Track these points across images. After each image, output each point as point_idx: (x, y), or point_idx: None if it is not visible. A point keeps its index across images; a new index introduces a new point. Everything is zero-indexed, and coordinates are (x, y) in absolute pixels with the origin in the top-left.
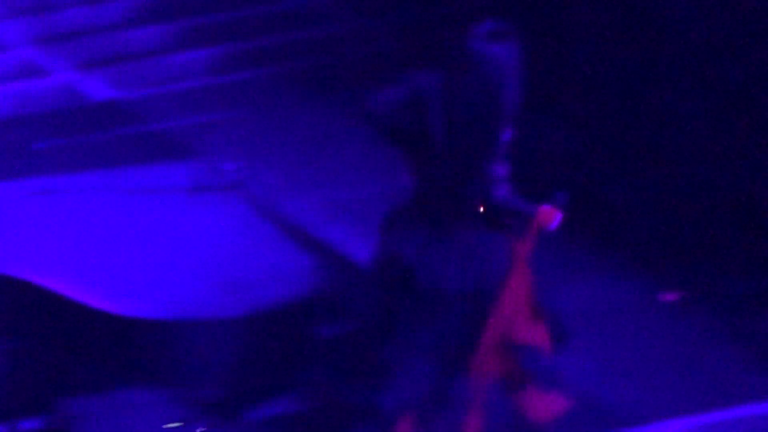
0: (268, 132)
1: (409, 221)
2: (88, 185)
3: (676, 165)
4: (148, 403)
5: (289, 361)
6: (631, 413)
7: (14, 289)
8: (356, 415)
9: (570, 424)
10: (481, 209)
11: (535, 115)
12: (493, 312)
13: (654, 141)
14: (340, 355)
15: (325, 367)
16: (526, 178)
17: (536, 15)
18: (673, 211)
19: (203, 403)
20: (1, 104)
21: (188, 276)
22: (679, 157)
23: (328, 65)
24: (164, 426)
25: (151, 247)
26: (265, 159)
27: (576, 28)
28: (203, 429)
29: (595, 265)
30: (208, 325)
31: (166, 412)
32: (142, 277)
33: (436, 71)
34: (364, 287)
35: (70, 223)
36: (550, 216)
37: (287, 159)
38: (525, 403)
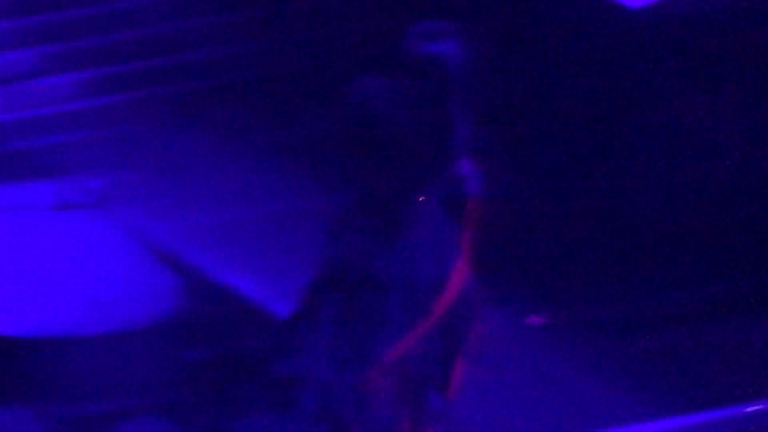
0: (138, 153)
1: (361, 225)
2: None
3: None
4: (16, 420)
5: (157, 381)
6: None
7: None
8: None
9: None
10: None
11: None
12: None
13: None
14: (206, 378)
15: (192, 389)
16: None
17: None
18: (539, 235)
19: (71, 420)
20: None
21: (55, 294)
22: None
23: (201, 89)
24: None
25: (19, 264)
26: (133, 179)
27: None
28: None
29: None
30: (75, 343)
31: (34, 430)
32: (9, 294)
33: (380, 76)
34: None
35: None
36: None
37: (156, 180)
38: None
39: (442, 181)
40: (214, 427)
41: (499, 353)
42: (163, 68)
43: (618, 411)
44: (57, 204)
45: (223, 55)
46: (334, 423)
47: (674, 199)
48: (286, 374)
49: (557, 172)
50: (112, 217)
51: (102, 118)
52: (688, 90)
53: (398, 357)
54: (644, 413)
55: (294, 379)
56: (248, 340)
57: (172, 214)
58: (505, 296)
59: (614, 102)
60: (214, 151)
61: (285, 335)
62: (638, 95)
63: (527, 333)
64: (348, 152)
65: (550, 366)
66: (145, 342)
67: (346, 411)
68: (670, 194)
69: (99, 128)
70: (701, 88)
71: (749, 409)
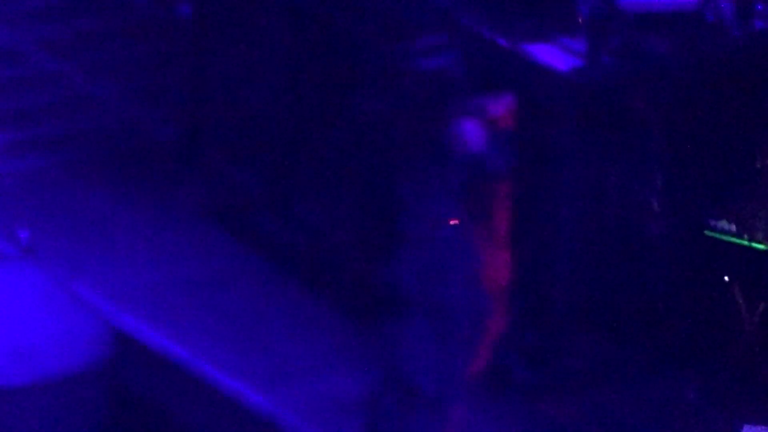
0: (61, 209)
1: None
2: None
3: None
4: None
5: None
6: None
7: None
8: None
9: None
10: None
11: None
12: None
13: None
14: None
15: None
16: None
17: None
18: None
19: None
20: None
21: None
22: None
23: (123, 151)
24: None
25: None
26: (58, 232)
27: None
28: None
29: None
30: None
31: None
32: None
33: (385, 94)
34: None
35: None
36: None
37: (79, 236)
38: None
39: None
40: None
41: None
42: (85, 131)
43: None
44: None
45: (146, 117)
46: None
47: (598, 258)
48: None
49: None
50: (36, 268)
51: (28, 178)
52: (609, 150)
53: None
54: None
55: None
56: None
57: (97, 271)
58: None
59: (535, 160)
60: (137, 212)
61: None
62: (560, 154)
63: None
64: None
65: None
66: (70, 390)
67: None
68: (593, 252)
69: (24, 187)
70: (623, 148)
71: None
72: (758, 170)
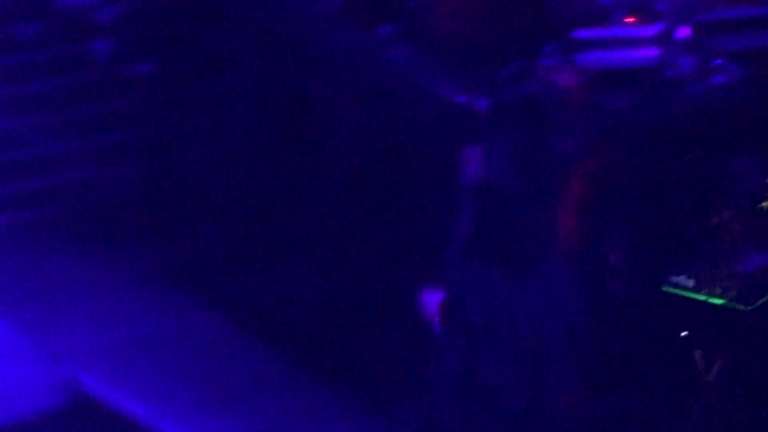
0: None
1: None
2: None
3: None
4: None
5: None
6: None
7: None
8: None
9: None
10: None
11: None
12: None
13: None
14: None
15: None
16: None
17: None
18: None
19: None
20: None
21: None
22: None
23: (80, 210)
24: None
25: None
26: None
27: None
28: None
29: None
30: None
31: None
32: None
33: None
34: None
35: None
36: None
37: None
38: None
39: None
40: None
41: None
42: (43, 189)
43: None
44: None
45: (102, 176)
46: None
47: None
48: None
49: None
50: None
51: None
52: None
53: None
54: None
55: None
56: None
57: (55, 330)
58: None
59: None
60: (97, 270)
61: None
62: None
63: None
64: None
65: None
66: None
67: None
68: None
69: None
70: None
71: None
72: (715, 226)
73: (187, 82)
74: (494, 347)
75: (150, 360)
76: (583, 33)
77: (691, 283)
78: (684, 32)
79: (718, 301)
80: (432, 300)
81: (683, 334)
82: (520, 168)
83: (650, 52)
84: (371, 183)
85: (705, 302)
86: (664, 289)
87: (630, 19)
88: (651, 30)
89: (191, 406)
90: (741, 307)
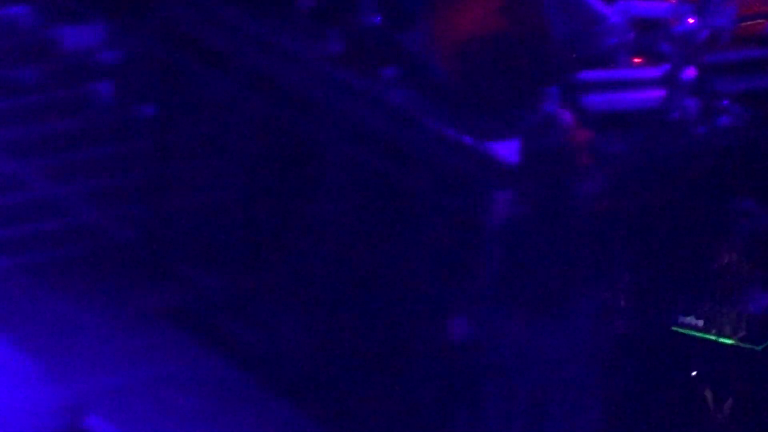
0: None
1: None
2: None
3: None
4: None
5: None
6: None
7: None
8: None
9: None
10: None
11: None
12: None
13: None
14: None
15: None
16: None
17: None
18: None
19: None
20: None
21: None
22: None
23: (75, 255)
24: None
25: None
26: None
27: None
28: None
29: None
30: None
31: None
32: None
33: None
34: None
35: None
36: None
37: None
38: None
39: None
40: None
41: None
42: (45, 233)
43: None
44: None
45: (104, 219)
46: None
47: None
48: None
49: None
50: None
51: None
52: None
53: None
54: None
55: None
56: None
57: (58, 374)
58: None
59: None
60: (99, 314)
61: None
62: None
63: None
64: None
65: None
66: None
67: None
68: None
69: None
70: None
71: None
72: (723, 267)
73: (187, 125)
74: (510, 385)
75: (153, 402)
76: (588, 74)
77: (700, 323)
78: (689, 74)
79: (728, 341)
80: (458, 329)
81: (693, 373)
82: (548, 213)
83: (655, 94)
84: (375, 226)
85: (715, 342)
86: (674, 329)
87: (635, 61)
88: (656, 71)
89: None
90: (751, 346)
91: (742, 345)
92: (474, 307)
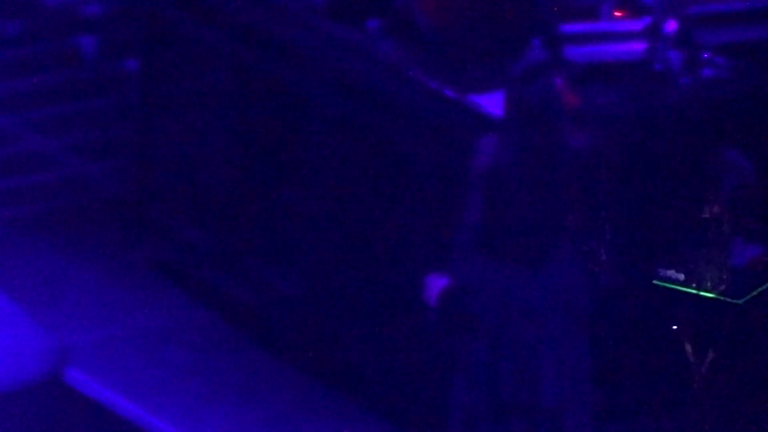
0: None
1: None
2: None
3: None
4: None
5: None
6: None
7: None
8: None
9: None
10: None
11: None
12: None
13: None
14: None
15: None
16: None
17: None
18: None
19: None
20: None
21: None
22: None
23: (65, 208)
24: None
25: None
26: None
27: None
28: None
29: None
30: None
31: None
32: None
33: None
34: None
35: None
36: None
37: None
38: None
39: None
40: None
41: None
42: (32, 187)
43: None
44: None
45: (90, 172)
46: None
47: None
48: None
49: None
50: None
51: None
52: None
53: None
54: None
55: None
56: None
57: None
58: None
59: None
60: (86, 267)
61: None
62: None
63: None
64: None
65: None
66: (14, 406)
67: None
68: None
69: None
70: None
71: None
72: (706, 219)
73: (173, 78)
74: (493, 339)
75: (140, 355)
76: (571, 27)
77: (681, 276)
78: (671, 26)
79: (709, 295)
80: (435, 285)
81: (674, 327)
82: (533, 161)
83: (638, 46)
84: (360, 177)
85: (696, 295)
86: (655, 282)
87: (618, 14)
88: (638, 24)
89: (181, 402)
90: (732, 300)
91: (723, 299)
92: (455, 258)
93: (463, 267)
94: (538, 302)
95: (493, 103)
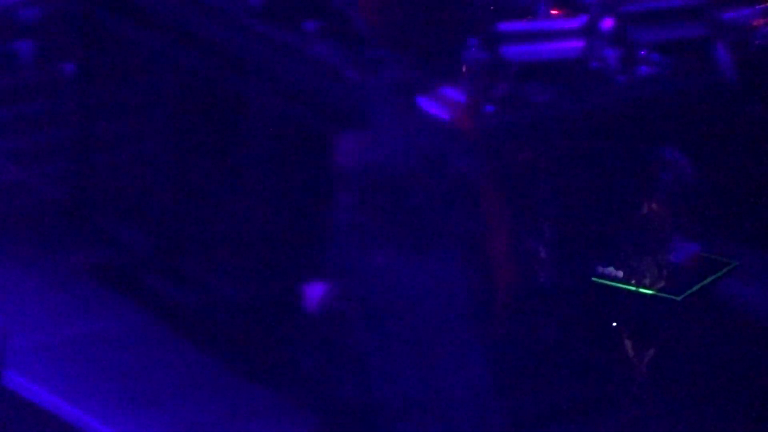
0: None
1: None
2: None
3: None
4: None
5: None
6: None
7: None
8: None
9: None
10: None
11: None
12: None
13: None
14: None
15: None
16: None
17: None
18: None
19: None
20: None
21: None
22: None
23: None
24: None
25: None
26: None
27: None
28: None
29: None
30: None
31: None
32: None
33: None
34: None
35: None
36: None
37: None
38: None
39: None
40: None
41: None
42: None
43: None
44: None
45: (32, 176)
46: None
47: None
48: None
49: None
50: None
51: None
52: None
53: None
54: None
55: None
56: None
57: None
58: None
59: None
60: (24, 272)
61: None
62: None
63: None
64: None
65: None
66: None
67: None
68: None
69: None
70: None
71: None
72: (644, 216)
73: (110, 82)
74: (386, 331)
75: (79, 359)
76: (507, 26)
77: (620, 273)
78: (608, 24)
79: (648, 291)
80: (314, 291)
81: (614, 324)
82: (417, 155)
83: (575, 44)
84: (298, 178)
85: (635, 292)
86: (594, 279)
87: (554, 12)
88: (575, 22)
89: (120, 405)
90: (671, 296)
91: (662, 295)
92: (338, 242)
93: (345, 263)
94: (425, 290)
95: (430, 104)
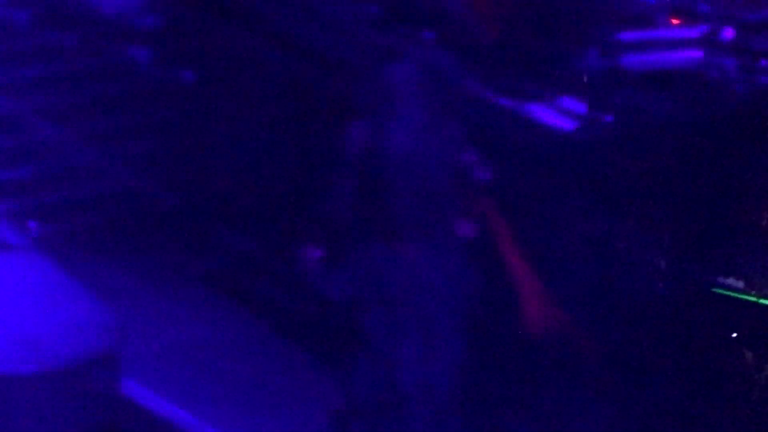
0: None
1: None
2: None
3: None
4: None
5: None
6: None
7: None
8: None
9: None
10: None
11: None
12: None
13: None
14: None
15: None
16: None
17: None
18: None
19: None
20: None
21: None
22: None
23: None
24: None
25: None
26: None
27: None
28: None
29: None
30: (5, 381)
31: None
32: None
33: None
34: None
35: None
36: None
37: None
38: None
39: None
40: None
41: None
42: (85, 199)
43: None
44: None
45: (147, 184)
46: None
47: (606, 317)
48: None
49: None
50: (44, 258)
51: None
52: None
53: None
54: None
55: None
56: None
57: None
58: None
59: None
60: (138, 279)
61: None
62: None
63: None
64: None
65: None
66: (73, 381)
67: None
68: (601, 311)
69: None
70: (628, 206)
71: None
72: (764, 226)
73: (224, 89)
74: (388, 318)
75: (193, 365)
76: (627, 35)
77: (741, 284)
78: (728, 33)
79: None
80: (312, 255)
81: (734, 335)
82: (425, 145)
83: (694, 54)
84: None
85: (755, 303)
86: (714, 290)
87: (674, 21)
88: (695, 31)
89: (234, 411)
90: None
91: None
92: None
93: (355, 249)
94: (427, 279)
95: (546, 113)
